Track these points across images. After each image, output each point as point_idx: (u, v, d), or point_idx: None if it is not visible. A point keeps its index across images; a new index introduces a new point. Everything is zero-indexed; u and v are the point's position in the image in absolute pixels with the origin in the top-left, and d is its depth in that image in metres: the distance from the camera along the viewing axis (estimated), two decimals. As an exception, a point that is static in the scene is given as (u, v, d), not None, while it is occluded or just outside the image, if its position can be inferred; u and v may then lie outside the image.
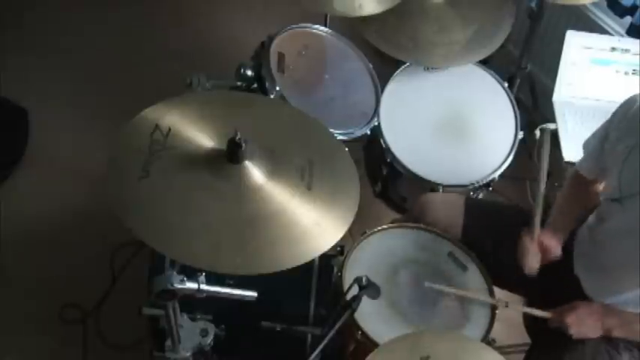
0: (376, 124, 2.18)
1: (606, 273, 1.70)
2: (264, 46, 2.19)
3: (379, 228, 1.87)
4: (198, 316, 1.67)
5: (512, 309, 1.77)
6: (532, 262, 1.74)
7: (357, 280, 1.51)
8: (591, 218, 1.79)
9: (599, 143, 1.72)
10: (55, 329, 2.29)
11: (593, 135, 1.77)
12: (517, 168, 2.24)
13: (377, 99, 2.25)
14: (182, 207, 1.28)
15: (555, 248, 1.74)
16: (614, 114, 1.68)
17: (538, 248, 1.74)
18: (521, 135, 2.22)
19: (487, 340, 1.70)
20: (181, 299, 1.44)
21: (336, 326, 1.46)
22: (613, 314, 1.69)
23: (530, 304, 1.83)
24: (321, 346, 1.44)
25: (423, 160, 2.13)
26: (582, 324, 1.67)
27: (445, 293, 1.74)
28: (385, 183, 2.26)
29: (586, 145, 1.81)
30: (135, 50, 3.12)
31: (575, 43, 2.29)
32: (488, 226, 1.89)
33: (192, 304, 1.55)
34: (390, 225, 1.90)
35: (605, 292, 1.71)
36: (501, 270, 1.83)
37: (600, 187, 1.82)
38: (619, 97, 1.95)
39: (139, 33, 3.19)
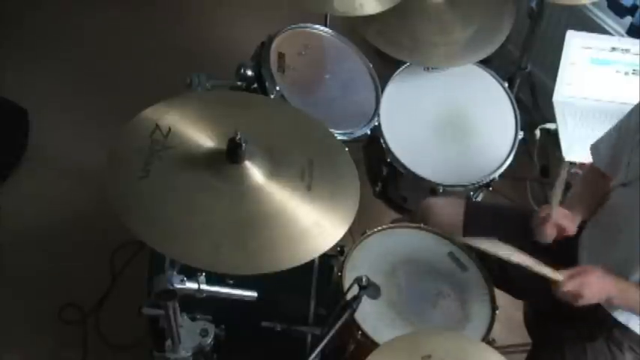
0: (376, 124, 2.18)
1: (608, 261, 1.70)
2: (264, 46, 2.19)
3: (379, 228, 1.87)
4: (198, 316, 1.67)
5: (527, 266, 1.68)
6: (547, 232, 1.72)
7: (357, 280, 1.51)
8: (595, 217, 1.79)
9: (618, 132, 1.73)
10: (55, 329, 2.29)
11: (614, 126, 1.77)
12: (517, 168, 2.24)
13: (377, 99, 2.24)
14: (182, 207, 1.28)
15: (571, 224, 1.73)
16: (637, 106, 1.68)
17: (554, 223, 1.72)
18: (521, 135, 2.22)
19: (487, 340, 1.70)
20: (181, 299, 1.44)
21: (336, 326, 1.46)
22: (615, 280, 1.65)
23: (530, 306, 1.83)
24: (321, 346, 1.44)
25: (423, 160, 2.13)
26: (593, 288, 1.61)
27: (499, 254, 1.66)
28: (385, 183, 2.26)
29: (605, 135, 1.80)
30: (135, 50, 3.12)
31: (575, 43, 2.29)
32: (490, 229, 1.88)
33: (192, 304, 1.55)
34: (390, 225, 1.90)
35: None
36: (503, 273, 1.83)
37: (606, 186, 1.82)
38: (619, 97, 1.96)
39: (140, 33, 3.19)
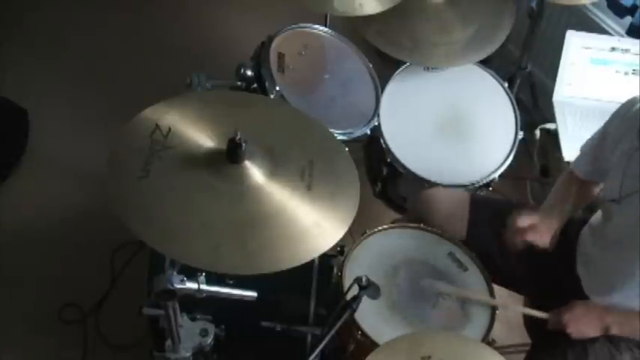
0: (376, 124, 2.18)
1: (607, 272, 1.70)
2: (264, 46, 2.19)
3: (379, 228, 1.87)
4: (198, 316, 1.67)
5: (511, 309, 1.77)
6: (517, 242, 1.76)
7: (357, 280, 1.51)
8: (594, 218, 1.80)
9: (598, 143, 1.74)
10: (55, 329, 2.29)
11: (592, 137, 1.78)
12: (517, 168, 2.24)
13: (377, 99, 2.25)
14: (182, 207, 1.28)
15: (543, 236, 1.76)
16: (614, 115, 1.69)
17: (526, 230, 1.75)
18: (521, 135, 2.22)
19: (487, 340, 1.70)
20: (181, 299, 1.44)
21: (336, 326, 1.46)
22: (611, 312, 1.69)
23: (531, 303, 1.84)
24: (321, 346, 1.44)
25: (423, 160, 2.13)
26: (580, 322, 1.67)
27: (444, 293, 1.74)
28: (385, 183, 2.26)
29: (584, 147, 1.82)
30: (135, 50, 3.12)
31: (575, 43, 2.29)
32: (494, 223, 1.88)
33: (192, 304, 1.55)
34: (390, 225, 1.90)
35: (605, 292, 1.72)
36: (505, 268, 1.83)
37: (596, 189, 1.83)
38: (619, 97, 1.95)
39: (139, 32, 3.19)
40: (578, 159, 1.84)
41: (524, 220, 1.76)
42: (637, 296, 1.64)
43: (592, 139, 1.78)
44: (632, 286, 1.64)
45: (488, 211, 1.94)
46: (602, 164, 1.72)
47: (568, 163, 2.16)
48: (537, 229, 1.76)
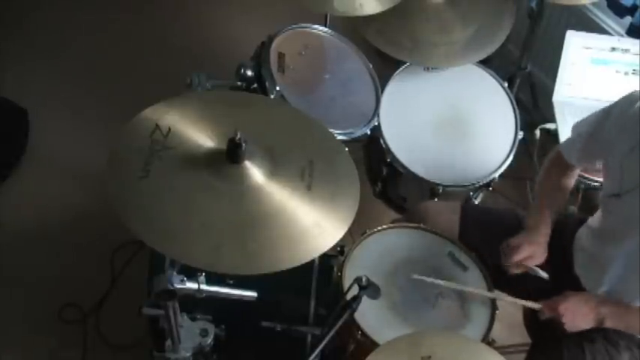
0: (376, 124, 2.18)
1: (608, 268, 1.70)
2: (264, 46, 2.19)
3: (379, 228, 1.87)
4: (198, 316, 1.67)
5: (502, 299, 1.76)
6: (514, 267, 1.75)
7: (357, 280, 1.51)
8: (592, 219, 1.80)
9: (592, 130, 1.70)
10: (55, 329, 2.29)
11: (587, 121, 1.75)
12: (517, 168, 2.24)
13: (377, 99, 2.25)
14: (182, 207, 1.28)
15: (539, 257, 1.74)
16: (614, 106, 1.66)
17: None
18: (521, 135, 2.22)
19: (487, 340, 1.70)
20: (181, 299, 1.44)
21: (336, 326, 1.46)
22: (607, 303, 1.68)
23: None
24: (321, 346, 1.44)
25: (423, 161, 2.13)
26: (575, 313, 1.65)
27: (437, 286, 1.74)
28: (385, 183, 2.26)
29: (575, 128, 1.78)
30: (135, 50, 3.12)
31: (575, 43, 2.29)
32: (485, 233, 1.89)
33: (192, 304, 1.55)
34: (390, 225, 1.90)
35: (606, 287, 1.72)
36: (499, 275, 1.83)
37: (573, 180, 1.84)
38: (619, 97, 1.95)
39: (139, 33, 3.19)
40: (569, 143, 1.80)
41: (518, 255, 1.72)
42: (637, 290, 1.65)
43: (587, 122, 1.74)
44: (633, 280, 1.64)
45: (478, 222, 1.93)
46: (597, 144, 1.69)
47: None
48: (532, 255, 1.73)
